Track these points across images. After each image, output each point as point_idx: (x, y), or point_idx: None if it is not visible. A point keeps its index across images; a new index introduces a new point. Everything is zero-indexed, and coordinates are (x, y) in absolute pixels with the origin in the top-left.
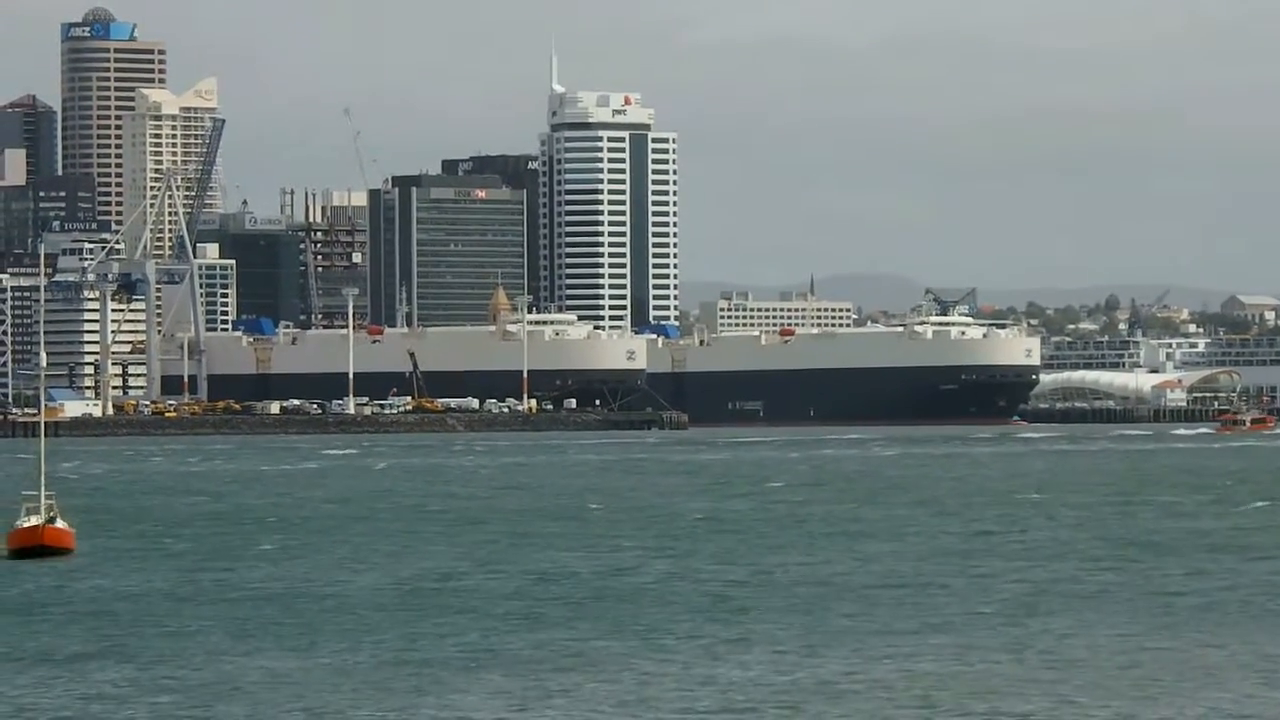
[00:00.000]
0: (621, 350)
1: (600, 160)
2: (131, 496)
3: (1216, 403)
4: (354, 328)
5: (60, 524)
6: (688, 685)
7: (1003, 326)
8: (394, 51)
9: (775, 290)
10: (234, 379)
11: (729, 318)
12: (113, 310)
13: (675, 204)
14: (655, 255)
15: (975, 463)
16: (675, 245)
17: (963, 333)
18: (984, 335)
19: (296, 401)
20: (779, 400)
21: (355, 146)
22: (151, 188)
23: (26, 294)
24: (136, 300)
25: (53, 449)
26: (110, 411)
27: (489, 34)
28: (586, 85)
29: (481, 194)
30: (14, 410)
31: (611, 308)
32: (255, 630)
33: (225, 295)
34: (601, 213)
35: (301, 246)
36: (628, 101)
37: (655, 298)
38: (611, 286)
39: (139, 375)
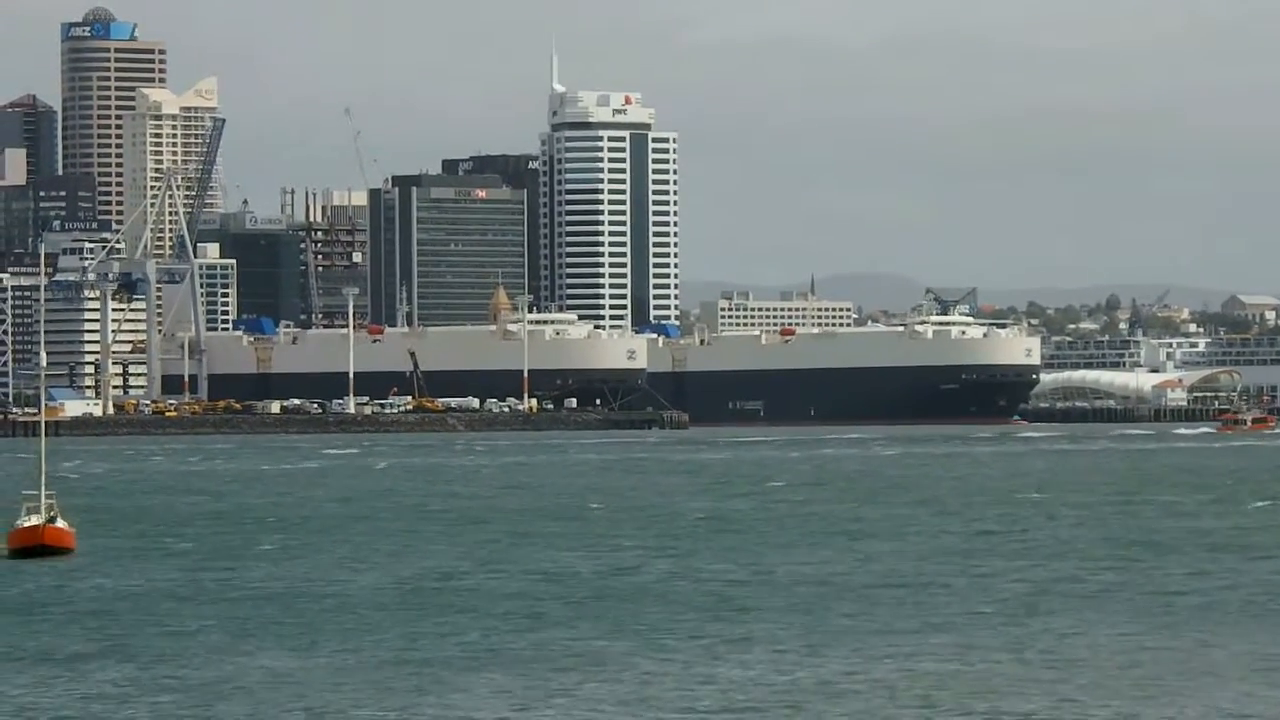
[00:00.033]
0: (622, 350)
1: (600, 160)
2: (132, 496)
3: (1217, 402)
4: (354, 327)
5: (61, 523)
6: (688, 685)
7: (1003, 326)
8: (394, 51)
9: (775, 290)
10: (234, 378)
11: (729, 317)
12: (113, 310)
13: (675, 204)
14: (656, 255)
15: (976, 462)
16: (676, 245)
17: (963, 332)
18: (984, 335)
19: (297, 401)
20: (779, 400)
21: (355, 146)
22: (152, 187)
23: (27, 293)
24: (137, 300)
25: (53, 448)
26: (111, 411)
27: (489, 34)
28: (587, 85)
29: (482, 194)
30: (14, 410)
31: (612, 307)
32: (256, 630)
33: (226, 295)
34: (602, 212)
35: (302, 246)
36: (628, 101)
37: (656, 297)
38: (612, 286)
39: (139, 375)
